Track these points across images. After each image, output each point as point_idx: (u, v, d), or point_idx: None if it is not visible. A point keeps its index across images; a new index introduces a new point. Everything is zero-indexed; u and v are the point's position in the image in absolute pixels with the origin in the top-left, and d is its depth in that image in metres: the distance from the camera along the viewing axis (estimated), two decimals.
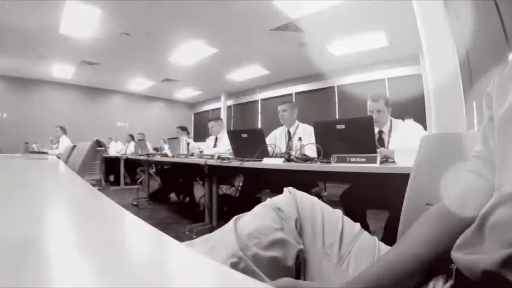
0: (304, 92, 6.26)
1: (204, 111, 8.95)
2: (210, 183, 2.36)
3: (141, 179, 5.00)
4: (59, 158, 2.41)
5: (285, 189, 0.61)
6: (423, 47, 1.83)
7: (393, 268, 0.41)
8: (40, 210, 0.38)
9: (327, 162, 1.35)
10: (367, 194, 1.50)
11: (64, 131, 4.71)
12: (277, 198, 0.58)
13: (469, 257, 0.35)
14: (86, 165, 1.98)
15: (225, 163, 1.87)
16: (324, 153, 1.45)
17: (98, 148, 2.33)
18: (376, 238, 0.56)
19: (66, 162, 2.06)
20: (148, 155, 3.46)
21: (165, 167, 3.83)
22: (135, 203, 3.44)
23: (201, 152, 2.81)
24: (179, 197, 3.56)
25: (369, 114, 1.92)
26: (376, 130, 1.87)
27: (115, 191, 4.34)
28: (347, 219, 0.57)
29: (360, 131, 1.39)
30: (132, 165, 4.97)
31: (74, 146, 2.35)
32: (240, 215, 0.55)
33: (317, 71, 5.60)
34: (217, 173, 2.30)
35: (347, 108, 5.46)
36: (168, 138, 3.34)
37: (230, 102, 7.98)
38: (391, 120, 1.94)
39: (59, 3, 3.22)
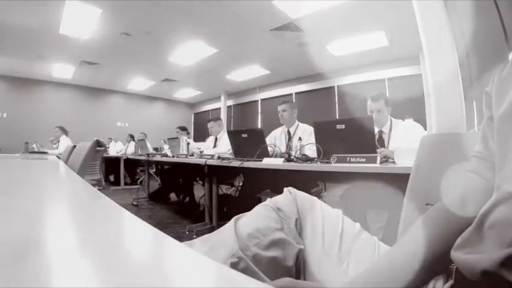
0: (304, 92, 6.26)
1: (204, 111, 8.95)
2: (210, 183, 2.36)
3: (141, 179, 5.00)
4: (59, 158, 2.41)
5: (285, 189, 0.61)
6: (423, 47, 1.83)
7: (393, 268, 0.40)
8: (40, 210, 0.38)
9: (327, 162, 1.35)
10: (367, 194, 1.50)
11: (64, 131, 4.71)
12: (277, 198, 0.58)
13: (468, 256, 0.35)
14: (86, 165, 1.98)
15: (225, 163, 1.87)
16: (324, 153, 1.45)
17: (98, 148, 2.33)
18: (376, 238, 0.56)
19: (66, 162, 2.06)
20: (148, 155, 3.46)
21: (165, 167, 3.83)
22: (135, 203, 3.44)
23: (201, 152, 2.81)
24: (179, 197, 3.56)
25: (369, 114, 1.92)
26: (376, 130, 1.88)
27: (115, 191, 4.34)
28: (347, 219, 0.57)
29: (360, 131, 1.39)
30: (132, 165, 4.98)
31: (74, 146, 2.35)
32: (240, 215, 0.55)
33: (317, 71, 5.60)
34: (217, 173, 2.30)
35: (347, 108, 5.46)
36: (168, 139, 3.34)
37: (230, 102, 7.97)
38: (391, 120, 1.94)
39: (59, 3, 3.22)
